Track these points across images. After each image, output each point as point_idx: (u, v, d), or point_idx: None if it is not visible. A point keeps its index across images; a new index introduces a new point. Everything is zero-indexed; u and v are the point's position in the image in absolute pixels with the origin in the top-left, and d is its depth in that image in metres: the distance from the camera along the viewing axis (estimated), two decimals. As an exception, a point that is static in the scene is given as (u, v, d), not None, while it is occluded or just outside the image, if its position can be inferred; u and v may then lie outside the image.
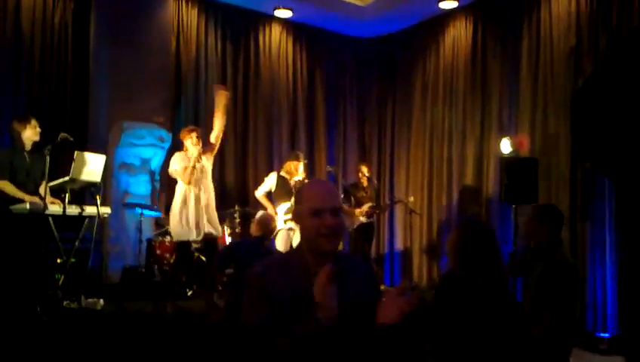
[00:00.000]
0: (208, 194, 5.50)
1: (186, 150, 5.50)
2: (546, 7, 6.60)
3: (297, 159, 6.43)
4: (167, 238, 6.24)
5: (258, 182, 8.15)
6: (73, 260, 5.04)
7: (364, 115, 9.00)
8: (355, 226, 7.13)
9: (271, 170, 8.21)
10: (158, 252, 6.17)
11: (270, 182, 6.43)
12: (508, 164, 5.87)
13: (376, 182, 7.87)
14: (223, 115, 5.67)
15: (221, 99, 5.68)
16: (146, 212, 6.07)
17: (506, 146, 6.17)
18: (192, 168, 5.37)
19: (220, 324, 4.57)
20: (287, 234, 6.27)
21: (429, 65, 8.15)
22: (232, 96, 6.02)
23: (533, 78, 6.68)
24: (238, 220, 6.90)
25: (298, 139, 8.49)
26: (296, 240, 6.31)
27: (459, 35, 7.73)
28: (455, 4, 7.61)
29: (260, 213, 5.64)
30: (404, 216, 8.29)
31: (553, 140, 6.39)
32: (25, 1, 6.40)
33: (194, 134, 5.45)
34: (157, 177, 7.02)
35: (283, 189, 6.35)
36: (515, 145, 6.21)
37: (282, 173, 6.46)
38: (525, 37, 6.81)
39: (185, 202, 5.38)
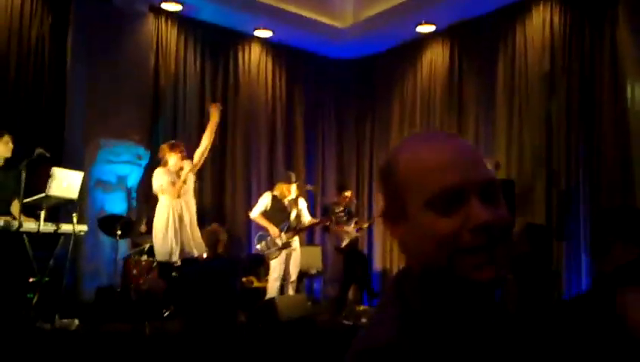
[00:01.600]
0: (191, 211, 5.45)
1: (166, 165, 5.44)
2: (521, 32, 6.80)
3: (289, 181, 6.43)
4: (144, 257, 6.13)
5: (235, 200, 8.15)
6: (47, 279, 4.91)
7: (343, 134, 9.06)
8: (344, 245, 7.07)
9: (249, 188, 8.22)
10: (134, 271, 6.04)
11: (264, 202, 6.39)
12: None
13: (355, 201, 7.87)
14: (212, 133, 5.65)
15: (214, 114, 5.68)
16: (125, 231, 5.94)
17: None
18: (183, 182, 5.33)
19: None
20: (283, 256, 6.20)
21: (407, 87, 8.27)
22: (222, 108, 5.98)
23: (509, 101, 6.84)
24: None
25: (276, 158, 8.47)
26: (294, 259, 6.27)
27: (436, 58, 7.88)
28: (432, 28, 7.76)
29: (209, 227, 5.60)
30: (383, 236, 8.33)
31: (528, 161, 6.52)
32: (1, 14, 6.30)
33: (179, 150, 5.42)
34: (133, 195, 6.92)
35: (277, 209, 6.33)
36: (493, 167, 6.31)
37: (275, 193, 6.44)
38: (501, 60, 6.98)
39: (168, 220, 5.31)
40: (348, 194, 7.38)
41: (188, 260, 5.32)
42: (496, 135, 6.92)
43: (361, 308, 7.42)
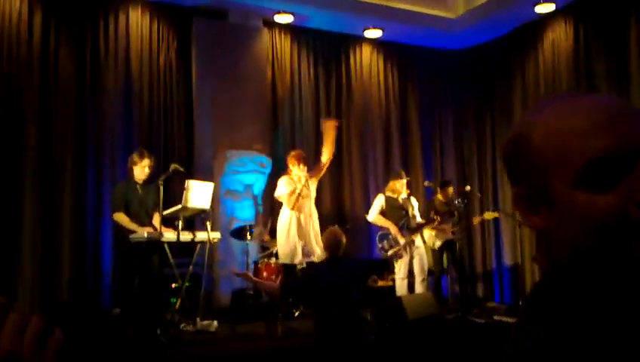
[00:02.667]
0: (313, 218, 5.66)
1: (291, 173, 5.70)
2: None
3: (400, 177, 6.40)
4: (273, 260, 6.38)
5: (354, 201, 8.22)
6: (187, 284, 5.30)
7: (461, 127, 8.79)
8: (438, 245, 6.86)
9: (366, 189, 8.26)
10: (264, 274, 6.31)
11: (379, 203, 6.42)
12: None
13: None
14: (331, 144, 5.89)
15: (329, 130, 5.92)
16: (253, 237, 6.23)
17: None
18: (298, 195, 5.54)
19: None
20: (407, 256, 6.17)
21: (529, 72, 7.83)
22: (338, 124, 6.16)
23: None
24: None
25: (393, 157, 8.44)
26: (418, 258, 6.21)
27: (558, 39, 7.39)
28: (552, 7, 7.29)
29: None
30: (511, 230, 7.97)
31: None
32: (133, 44, 6.88)
33: (301, 160, 5.68)
34: (259, 201, 7.25)
35: (394, 208, 6.33)
36: None
37: (388, 193, 6.44)
38: (633, 34, 6.39)
39: (289, 226, 5.53)
40: (450, 190, 7.15)
41: (312, 263, 5.49)
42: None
43: (492, 304, 7.17)
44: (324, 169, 5.99)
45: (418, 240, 6.29)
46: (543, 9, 7.34)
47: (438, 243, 6.76)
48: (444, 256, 6.76)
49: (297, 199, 5.60)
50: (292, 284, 4.49)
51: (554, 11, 7.34)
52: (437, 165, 8.72)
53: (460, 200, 6.39)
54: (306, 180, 5.67)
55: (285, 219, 5.62)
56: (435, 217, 6.42)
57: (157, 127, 6.99)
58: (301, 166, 5.73)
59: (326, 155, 5.86)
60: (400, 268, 6.12)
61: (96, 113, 6.55)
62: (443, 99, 8.79)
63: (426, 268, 6.21)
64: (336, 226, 5.35)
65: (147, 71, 6.96)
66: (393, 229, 6.16)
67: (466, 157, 8.78)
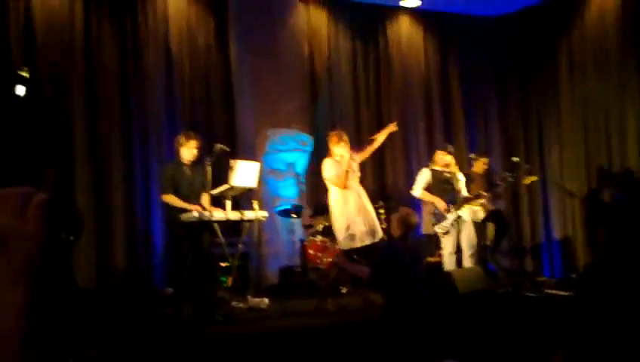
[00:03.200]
0: (363, 198, 5.75)
1: (334, 155, 5.71)
2: None
3: (446, 150, 6.34)
4: (319, 238, 6.41)
5: (397, 177, 8.14)
6: (238, 263, 5.35)
7: (505, 97, 8.55)
8: (484, 216, 6.73)
9: (408, 164, 8.16)
10: (311, 251, 6.35)
11: (424, 177, 6.32)
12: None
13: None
14: (383, 136, 6.19)
15: (388, 129, 6.28)
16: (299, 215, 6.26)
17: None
18: (346, 172, 5.58)
19: (379, 321, 4.60)
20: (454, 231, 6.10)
21: (574, 36, 7.55)
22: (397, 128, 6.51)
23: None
24: (383, 216, 6.88)
25: (435, 130, 8.30)
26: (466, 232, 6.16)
27: (605, 1, 7.07)
28: (599, -33, 6.99)
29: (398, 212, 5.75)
30: (560, 202, 7.78)
31: None
32: (172, 26, 6.90)
33: (343, 139, 5.73)
34: (302, 180, 7.25)
35: (440, 182, 6.24)
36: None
37: (434, 167, 6.36)
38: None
39: (345, 208, 5.63)
40: (485, 160, 7.01)
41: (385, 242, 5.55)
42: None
43: (542, 278, 7.04)
44: (369, 153, 6.11)
45: (465, 214, 6.19)
46: (589, -30, 7.04)
47: (480, 216, 6.64)
48: (489, 228, 6.65)
49: (347, 177, 5.62)
50: (378, 265, 4.58)
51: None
52: (481, 137, 8.54)
53: (507, 174, 6.26)
54: (350, 157, 5.68)
55: (338, 202, 5.68)
56: (481, 193, 6.32)
57: (199, 106, 7.04)
58: (342, 144, 5.76)
59: (376, 143, 6.07)
60: (447, 244, 6.04)
61: (139, 95, 6.62)
62: (485, 69, 8.56)
63: (474, 242, 6.12)
64: (407, 208, 5.42)
65: (187, 51, 6.99)
66: (439, 204, 6.08)
67: (511, 128, 8.55)
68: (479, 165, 7.02)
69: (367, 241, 5.65)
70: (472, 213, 6.58)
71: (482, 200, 6.46)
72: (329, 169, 5.75)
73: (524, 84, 8.39)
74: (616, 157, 6.94)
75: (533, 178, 7.26)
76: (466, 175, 6.91)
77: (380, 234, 5.84)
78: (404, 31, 8.25)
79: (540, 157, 8.15)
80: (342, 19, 7.93)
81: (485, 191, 6.43)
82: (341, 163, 5.74)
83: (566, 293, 5.58)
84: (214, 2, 7.22)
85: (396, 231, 4.73)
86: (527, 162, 7.75)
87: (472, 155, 7.24)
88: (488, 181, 6.80)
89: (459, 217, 6.09)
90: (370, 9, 8.00)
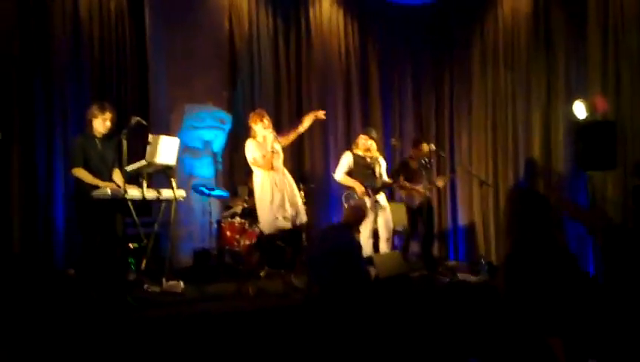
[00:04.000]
0: (289, 179, 5.63)
1: (255, 135, 5.58)
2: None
3: (369, 134, 6.34)
4: (237, 219, 6.23)
5: (314, 159, 8.10)
6: (150, 244, 5.06)
7: (420, 84, 8.74)
8: (417, 204, 6.82)
9: (326, 147, 8.14)
10: (228, 234, 6.16)
11: (346, 161, 6.29)
12: (583, 128, 5.62)
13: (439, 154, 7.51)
14: (308, 123, 5.93)
15: (307, 123, 5.94)
16: (214, 193, 6.03)
17: (579, 109, 5.89)
18: (272, 153, 5.46)
19: (302, 305, 4.56)
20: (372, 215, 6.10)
21: (487, 27, 7.82)
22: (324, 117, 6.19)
23: (602, 36, 6.32)
24: (303, 200, 6.79)
25: (353, 113, 8.32)
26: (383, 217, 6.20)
27: (518, -1, 7.40)
28: (514, -35, 7.27)
29: (354, 201, 5.78)
30: (466, 189, 8.11)
31: (627, 101, 6.09)
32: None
33: (265, 119, 5.57)
34: (219, 159, 7.01)
35: (362, 166, 6.24)
36: (592, 108, 5.92)
37: (356, 151, 6.35)
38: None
39: (269, 192, 5.45)
40: (424, 147, 7.04)
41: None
42: (589, 71, 6.45)
43: (451, 263, 7.31)
44: (293, 138, 5.93)
45: (383, 199, 6.27)
46: (504, -34, 7.31)
47: (416, 203, 6.69)
48: (418, 215, 6.74)
49: (272, 158, 5.47)
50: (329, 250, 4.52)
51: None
52: (396, 122, 8.68)
53: (426, 159, 6.32)
54: (274, 138, 5.54)
55: (262, 187, 5.53)
56: (399, 179, 6.43)
57: (109, 78, 6.58)
58: (265, 122, 5.60)
59: (301, 128, 5.88)
60: (364, 228, 6.08)
61: (42, 61, 6.05)
62: (402, 55, 8.70)
63: (391, 226, 6.22)
64: (360, 200, 5.38)
65: (97, 17, 6.49)
66: (359, 189, 6.10)
67: (424, 115, 8.78)
68: (417, 152, 6.95)
69: (289, 225, 5.55)
70: (407, 199, 6.68)
71: (418, 187, 6.50)
72: (253, 150, 5.56)
73: (439, 73, 8.62)
74: (521, 148, 7.31)
75: (446, 178, 7.43)
76: (402, 162, 6.97)
77: (303, 218, 5.74)
78: (326, 12, 8.16)
79: (450, 144, 8.44)
80: (263, -5, 7.69)
81: (408, 178, 6.55)
82: (264, 143, 5.59)
83: (476, 278, 5.82)
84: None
85: (351, 219, 4.72)
86: (437, 147, 7.89)
87: (394, 141, 7.28)
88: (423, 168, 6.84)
89: (377, 202, 6.15)
90: (292, -13, 7.84)
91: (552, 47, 6.93)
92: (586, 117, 5.82)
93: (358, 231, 5.43)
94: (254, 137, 5.64)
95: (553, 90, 6.92)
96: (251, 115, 5.78)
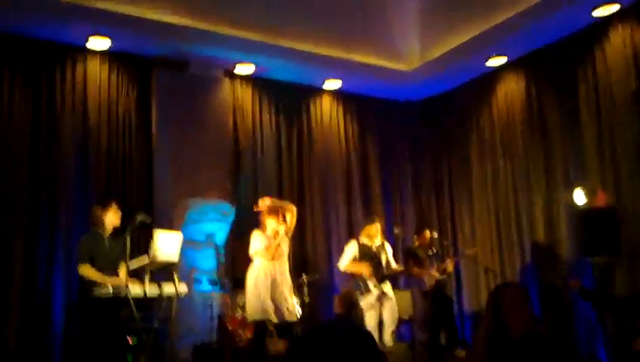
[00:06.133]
0: (285, 276, 5.57)
1: (265, 228, 5.60)
2: (600, 53, 6.59)
3: (373, 222, 6.43)
4: (239, 312, 6.16)
5: (317, 252, 8.10)
6: (150, 341, 4.99)
7: (420, 177, 8.93)
8: (428, 288, 6.80)
9: (329, 239, 8.18)
10: (229, 328, 6.08)
11: (352, 250, 6.33)
12: (585, 216, 5.68)
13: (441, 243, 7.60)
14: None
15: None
16: (217, 288, 6.02)
17: (579, 197, 5.98)
18: (278, 246, 5.50)
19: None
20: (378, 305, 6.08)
21: (483, 121, 8.11)
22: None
23: (596, 126, 6.57)
24: (306, 289, 6.76)
25: (354, 207, 8.43)
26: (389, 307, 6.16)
27: (511, 90, 7.72)
28: (504, 60, 7.65)
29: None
30: (471, 275, 8.04)
31: (627, 186, 6.19)
32: (91, 94, 6.69)
33: (276, 215, 5.59)
34: (221, 251, 7.04)
35: (367, 256, 6.26)
36: (591, 197, 6.01)
37: (362, 240, 6.39)
38: (582, 85, 6.77)
39: (260, 280, 5.44)
40: (427, 234, 7.18)
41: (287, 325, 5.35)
42: (586, 161, 6.62)
43: (462, 353, 7.11)
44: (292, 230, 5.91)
45: (389, 289, 6.23)
46: (494, 62, 7.69)
47: (427, 287, 6.72)
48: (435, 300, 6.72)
49: (276, 250, 5.49)
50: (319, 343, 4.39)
51: (505, 64, 7.70)
52: (396, 213, 8.77)
53: (433, 249, 6.45)
54: (286, 233, 5.61)
55: (255, 274, 5.51)
56: (409, 262, 6.47)
57: (114, 176, 6.75)
58: (280, 219, 5.63)
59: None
60: (370, 319, 6.00)
61: (50, 161, 6.28)
62: (401, 149, 8.94)
63: (396, 317, 6.13)
64: (349, 288, 5.34)
65: (105, 120, 6.77)
66: (366, 271, 6.07)
67: (425, 206, 8.89)
68: (422, 238, 7.11)
69: (278, 319, 5.43)
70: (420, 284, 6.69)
71: (430, 271, 6.56)
72: (257, 240, 5.59)
73: (438, 165, 8.81)
74: (525, 235, 7.34)
75: (475, 250, 7.42)
76: (408, 250, 7.04)
77: (295, 315, 5.64)
78: (326, 110, 8.49)
79: (453, 233, 8.48)
80: (267, 95, 8.05)
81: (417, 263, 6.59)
82: (268, 236, 5.61)
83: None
84: (137, 71, 7.12)
85: (339, 309, 4.65)
86: (440, 237, 7.94)
87: (397, 230, 7.32)
88: (429, 255, 6.93)
89: (383, 292, 6.11)
90: (294, 87, 8.21)
91: (548, 137, 7.15)
92: (587, 204, 5.89)
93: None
94: (263, 229, 5.67)
95: (552, 179, 7.05)
96: (265, 209, 5.73)
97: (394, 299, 6.18)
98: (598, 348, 6.07)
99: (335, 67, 7.94)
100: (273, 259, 5.50)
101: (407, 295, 7.13)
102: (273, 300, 5.40)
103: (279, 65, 7.65)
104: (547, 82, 7.26)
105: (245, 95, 7.88)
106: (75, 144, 6.50)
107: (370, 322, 5.89)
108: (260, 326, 5.42)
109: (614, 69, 6.42)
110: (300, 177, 8.17)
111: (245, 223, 7.20)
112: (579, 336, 6.47)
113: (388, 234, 8.00)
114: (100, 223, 4.94)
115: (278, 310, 5.41)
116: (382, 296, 6.05)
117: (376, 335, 5.92)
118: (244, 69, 7.63)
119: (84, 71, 6.69)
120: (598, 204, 6.02)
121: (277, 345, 5.23)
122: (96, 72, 6.77)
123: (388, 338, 6.03)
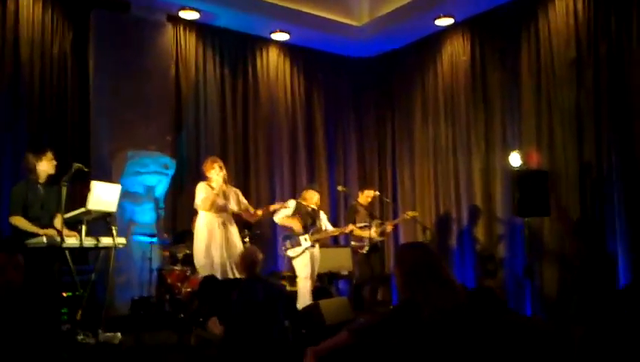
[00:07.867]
0: (233, 230, 5.65)
1: (210, 181, 5.64)
2: (544, 20, 6.72)
3: (312, 189, 6.58)
4: (178, 266, 6.09)
5: (260, 205, 8.04)
6: (86, 294, 4.86)
7: (364, 133, 8.98)
8: (365, 250, 6.98)
9: (273, 194, 8.16)
10: (168, 281, 6.01)
11: (290, 207, 6.39)
12: (519, 177, 5.89)
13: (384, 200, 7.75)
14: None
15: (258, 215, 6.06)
16: (155, 239, 5.91)
17: (515, 160, 6.18)
18: (216, 195, 5.51)
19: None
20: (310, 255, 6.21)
21: (428, 82, 8.18)
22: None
23: (535, 90, 6.75)
24: (248, 244, 6.73)
25: (299, 160, 8.43)
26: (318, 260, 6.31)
27: (457, 51, 7.80)
28: (451, 21, 7.69)
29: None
30: (410, 235, 8.25)
31: (560, 151, 6.44)
32: (23, 32, 6.28)
33: (216, 164, 5.64)
34: (161, 205, 6.89)
35: (303, 213, 6.36)
36: (525, 159, 6.23)
37: (300, 200, 6.51)
38: (524, 50, 6.91)
39: (209, 235, 5.44)
40: (370, 193, 7.27)
41: (232, 280, 5.34)
42: (524, 126, 6.83)
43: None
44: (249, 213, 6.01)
45: (317, 248, 6.40)
46: (442, 22, 7.71)
47: (365, 248, 6.85)
48: (371, 260, 6.87)
49: (215, 200, 5.52)
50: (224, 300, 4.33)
51: (453, 24, 7.73)
52: (340, 171, 8.83)
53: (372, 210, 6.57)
54: (224, 182, 5.64)
55: (204, 229, 5.52)
56: (350, 226, 6.58)
57: (49, 122, 6.42)
58: (217, 170, 5.66)
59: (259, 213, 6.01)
60: (302, 269, 6.16)
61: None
62: (346, 106, 8.93)
63: (316, 267, 6.34)
64: (252, 245, 5.37)
65: (39, 61, 6.38)
66: (296, 227, 6.17)
67: (368, 164, 8.98)
68: (364, 197, 7.19)
69: (230, 275, 5.48)
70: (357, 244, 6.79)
71: (369, 231, 6.65)
72: (199, 192, 5.61)
73: (382, 123, 8.88)
74: (463, 195, 7.56)
75: (414, 213, 7.51)
76: (351, 207, 7.15)
77: (233, 268, 5.64)
78: (273, 62, 8.32)
79: (393, 193, 8.63)
80: (211, 43, 7.79)
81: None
82: (213, 188, 5.61)
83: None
84: (74, 10, 6.71)
85: (241, 271, 4.58)
86: (380, 198, 8.06)
87: (341, 188, 7.36)
88: (370, 213, 7.03)
89: (312, 246, 6.24)
90: (240, 37, 7.98)
91: (490, 104, 7.31)
92: (521, 166, 6.10)
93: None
94: (208, 181, 5.67)
95: (491, 142, 7.24)
96: (205, 162, 5.83)
97: (318, 254, 6.38)
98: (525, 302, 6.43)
99: (284, 17, 7.74)
100: (215, 211, 5.49)
101: (346, 251, 7.25)
102: (223, 255, 5.46)
103: (225, 12, 7.39)
104: (492, 46, 7.37)
105: (189, 42, 7.60)
106: (5, 84, 6.09)
107: (302, 272, 6.13)
108: (208, 280, 5.42)
109: (556, 35, 6.57)
110: (245, 130, 8.03)
111: (187, 177, 7.09)
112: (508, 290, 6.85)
113: (331, 193, 8.10)
114: (34, 171, 4.71)
115: (225, 272, 5.48)
116: (311, 248, 6.21)
117: (309, 285, 6.08)
118: (189, 14, 7.34)
119: (16, 6, 6.23)
120: (530, 165, 6.27)
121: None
122: (29, 9, 6.32)
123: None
